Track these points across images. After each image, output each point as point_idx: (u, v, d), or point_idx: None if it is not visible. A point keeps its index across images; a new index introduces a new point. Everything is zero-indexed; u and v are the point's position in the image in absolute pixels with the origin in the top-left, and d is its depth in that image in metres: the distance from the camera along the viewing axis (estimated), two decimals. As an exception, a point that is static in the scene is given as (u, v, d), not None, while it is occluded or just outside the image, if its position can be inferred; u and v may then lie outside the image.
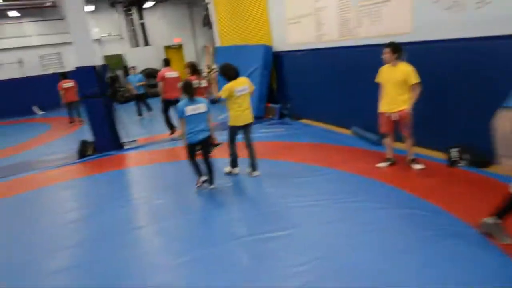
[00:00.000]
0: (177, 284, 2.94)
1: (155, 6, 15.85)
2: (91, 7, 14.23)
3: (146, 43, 16.25)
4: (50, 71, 15.05)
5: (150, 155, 6.71)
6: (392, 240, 3.13)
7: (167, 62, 8.12)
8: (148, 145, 7.26)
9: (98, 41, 15.54)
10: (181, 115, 4.40)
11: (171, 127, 7.69)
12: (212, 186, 4.70)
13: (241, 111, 4.72)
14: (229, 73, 4.69)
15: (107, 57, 15.75)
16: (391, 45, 4.29)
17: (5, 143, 9.34)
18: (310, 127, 7.22)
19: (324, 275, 2.78)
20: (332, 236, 3.31)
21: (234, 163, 5.09)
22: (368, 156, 5.18)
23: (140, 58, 15.62)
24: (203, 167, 4.75)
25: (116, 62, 15.88)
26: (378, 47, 4.90)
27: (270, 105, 8.31)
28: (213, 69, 5.34)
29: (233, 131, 4.88)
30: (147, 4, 15.24)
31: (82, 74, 6.45)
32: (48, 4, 9.92)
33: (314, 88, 7.17)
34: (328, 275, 2.78)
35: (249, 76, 8.79)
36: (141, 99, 10.71)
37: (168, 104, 7.54)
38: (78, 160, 6.71)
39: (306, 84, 7.38)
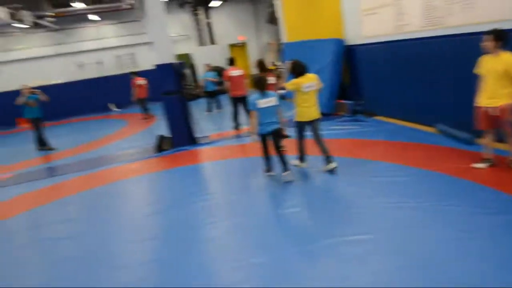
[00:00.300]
0: (252, 283, 2.86)
1: (221, 5, 16.15)
2: (162, 9, 14.84)
3: (212, 42, 16.63)
4: (125, 71, 16.02)
5: (223, 150, 6.79)
6: (495, 250, 2.78)
7: (231, 61, 8.31)
8: (220, 141, 7.37)
9: (167, 41, 16.22)
10: (253, 108, 4.66)
11: (237, 125, 7.87)
12: (286, 173, 4.72)
13: (307, 107, 4.74)
14: (297, 70, 4.74)
15: (176, 56, 16.37)
16: (493, 32, 3.85)
17: (87, 138, 10.09)
18: (388, 124, 6.81)
19: (412, 285, 2.54)
20: (422, 243, 3.02)
21: (302, 159, 5.07)
22: (459, 156, 4.73)
23: (206, 57, 16.00)
24: (274, 161, 4.89)
25: (184, 60, 16.46)
26: (471, 36, 4.47)
27: (342, 101, 8.01)
28: (277, 66, 5.35)
29: (300, 126, 4.90)
30: (214, 4, 15.57)
31: (161, 72, 6.71)
32: (126, 6, 10.51)
33: (391, 82, 6.75)
34: (416, 285, 2.54)
35: (319, 71, 8.57)
36: (211, 96, 10.96)
37: (235, 101, 7.75)
38: (155, 154, 7.00)
39: (382, 78, 6.98)
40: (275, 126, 4.70)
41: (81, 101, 15.51)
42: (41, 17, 10.81)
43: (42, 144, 9.06)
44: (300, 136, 4.94)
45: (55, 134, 10.84)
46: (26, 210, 5.20)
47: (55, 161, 7.92)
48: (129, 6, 10.11)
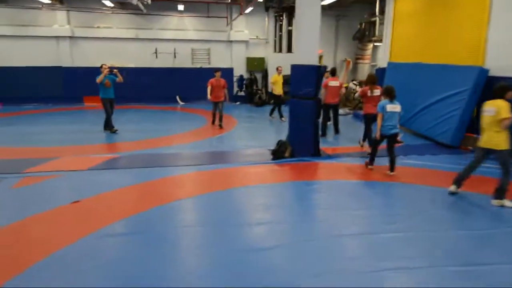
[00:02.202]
0: None
1: (305, 15, 15.67)
2: (249, 9, 14.50)
3: (289, 50, 16.14)
4: (198, 66, 15.70)
5: (352, 168, 6.07)
6: None
7: (333, 72, 8.71)
8: (343, 157, 6.67)
9: (245, 42, 15.87)
10: (381, 110, 5.44)
11: (323, 133, 8.33)
12: (392, 173, 5.52)
13: (483, 133, 4.69)
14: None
15: (250, 59, 16.00)
16: None
17: (179, 128, 9.67)
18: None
19: None
20: None
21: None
22: None
23: (281, 64, 15.53)
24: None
25: (257, 64, 16.07)
26: None
27: (473, 135, 7.25)
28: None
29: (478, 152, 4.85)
30: (299, 12, 15.12)
31: (299, 73, 6.14)
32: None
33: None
34: None
35: (443, 99, 7.91)
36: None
37: (328, 108, 8.60)
38: (273, 161, 6.36)
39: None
40: (395, 131, 5.46)
41: (151, 89, 15.23)
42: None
43: (110, 126, 8.72)
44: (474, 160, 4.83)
45: (136, 120, 10.51)
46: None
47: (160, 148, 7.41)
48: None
